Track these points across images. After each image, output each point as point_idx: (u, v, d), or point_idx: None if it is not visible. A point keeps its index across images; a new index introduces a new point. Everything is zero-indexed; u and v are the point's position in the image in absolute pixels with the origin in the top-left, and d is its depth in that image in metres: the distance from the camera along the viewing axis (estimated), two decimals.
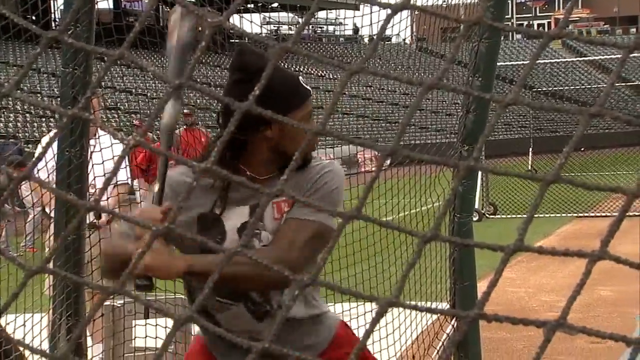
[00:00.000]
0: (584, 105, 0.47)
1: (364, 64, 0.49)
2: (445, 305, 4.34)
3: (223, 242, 2.42)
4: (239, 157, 2.36)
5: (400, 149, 0.50)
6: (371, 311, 4.66)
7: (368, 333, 0.51)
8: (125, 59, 0.55)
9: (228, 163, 2.35)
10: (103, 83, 27.55)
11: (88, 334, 4.46)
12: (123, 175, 5.82)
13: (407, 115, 0.52)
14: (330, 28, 54.27)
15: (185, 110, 12.98)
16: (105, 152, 4.68)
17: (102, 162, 4.93)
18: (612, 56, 40.61)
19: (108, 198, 5.40)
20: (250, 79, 2.28)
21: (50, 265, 3.89)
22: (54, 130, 4.12)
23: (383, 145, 0.51)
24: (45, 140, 4.68)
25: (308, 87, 2.43)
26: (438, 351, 4.47)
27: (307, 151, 2.36)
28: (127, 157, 5.85)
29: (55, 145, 3.91)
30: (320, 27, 53.76)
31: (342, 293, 0.51)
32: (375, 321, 0.51)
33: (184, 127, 12.73)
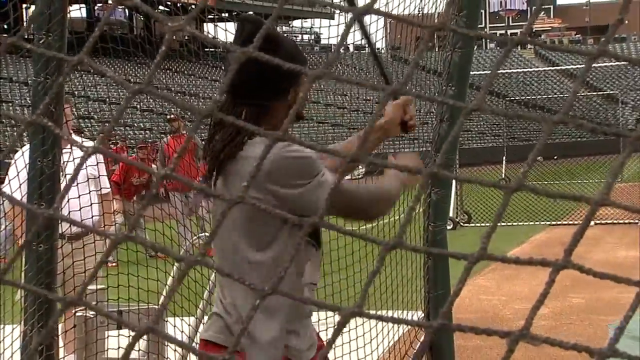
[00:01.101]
0: (540, 122, 0.47)
1: (326, 68, 0.49)
2: (420, 314, 4.33)
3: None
4: (263, 124, 2.41)
5: (363, 155, 0.50)
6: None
7: (330, 343, 0.50)
8: (84, 64, 0.55)
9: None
10: (76, 92, 27.41)
11: (61, 344, 4.41)
12: (106, 183, 5.75)
13: (370, 121, 0.51)
14: (306, 37, 54.34)
15: (170, 116, 12.87)
16: (78, 161, 4.65)
17: (87, 180, 4.91)
18: (583, 65, 40.75)
19: (92, 204, 5.34)
20: (272, 49, 2.32)
21: (22, 275, 3.86)
22: (27, 145, 4.08)
23: (347, 152, 0.51)
24: (18, 155, 4.66)
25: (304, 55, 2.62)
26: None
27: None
28: (104, 168, 5.77)
29: (27, 155, 3.88)
30: (295, 36, 53.82)
31: (303, 302, 0.50)
32: (337, 331, 0.51)
33: (170, 134, 12.63)
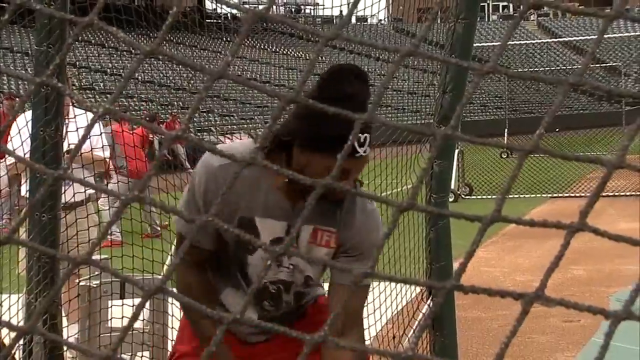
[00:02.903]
0: (556, 85, 0.46)
1: (339, 30, 0.48)
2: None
3: (255, 251, 2.43)
4: (287, 158, 2.27)
5: (376, 117, 0.49)
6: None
7: (346, 302, 0.50)
8: (95, 25, 0.54)
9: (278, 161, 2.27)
10: (77, 63, 27.32)
11: (64, 314, 4.43)
12: (98, 143, 5.64)
13: (384, 82, 0.51)
14: (307, 9, 54.09)
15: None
16: (82, 131, 4.64)
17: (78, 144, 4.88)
18: (587, 37, 40.76)
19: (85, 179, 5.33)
20: (341, 102, 2.09)
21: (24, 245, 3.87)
22: (29, 111, 4.07)
23: (360, 115, 0.50)
24: (20, 119, 4.62)
25: (361, 149, 2.23)
26: (414, 330, 4.49)
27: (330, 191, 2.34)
28: (105, 139, 5.73)
29: (29, 125, 3.87)
30: (297, 8, 53.56)
31: (318, 263, 0.50)
32: (353, 291, 0.50)
33: (170, 116, 12.65)
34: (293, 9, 51.89)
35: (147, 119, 13.74)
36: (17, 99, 10.59)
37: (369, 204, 2.47)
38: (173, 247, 4.58)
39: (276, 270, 2.46)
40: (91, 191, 5.35)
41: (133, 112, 24.60)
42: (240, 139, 13.58)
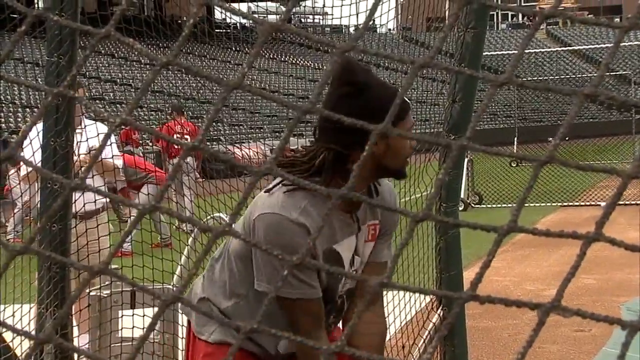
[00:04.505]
0: (570, 95, 0.46)
1: (354, 42, 0.48)
2: (432, 295, 4.34)
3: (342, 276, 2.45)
4: (341, 172, 2.28)
5: (390, 128, 0.49)
6: None
7: (359, 314, 0.50)
8: (112, 37, 0.54)
9: (332, 181, 2.29)
10: (87, 73, 27.44)
11: (74, 324, 4.44)
12: (109, 152, 5.66)
13: (400, 94, 0.51)
14: (316, 18, 54.19)
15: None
16: (92, 141, 4.65)
17: (89, 152, 4.90)
18: (597, 46, 40.71)
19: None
20: (359, 93, 2.24)
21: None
22: (40, 124, 4.07)
23: (374, 125, 0.51)
24: (33, 132, 4.65)
25: (407, 100, 2.42)
26: (424, 340, 4.48)
27: (403, 166, 2.39)
28: (117, 148, 5.73)
29: (40, 136, 3.89)
30: (306, 17, 53.67)
31: (334, 274, 0.50)
32: (368, 302, 0.51)
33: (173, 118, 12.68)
34: (302, 19, 52.01)
35: (174, 111, 13.55)
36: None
37: (387, 183, 2.56)
38: (180, 267, 4.56)
39: (345, 281, 2.49)
40: (103, 200, 5.37)
41: (143, 122, 24.63)
42: (250, 149, 13.52)
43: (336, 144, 2.26)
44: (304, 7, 47.08)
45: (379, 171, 2.37)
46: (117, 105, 27.66)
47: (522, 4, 71.63)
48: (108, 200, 5.46)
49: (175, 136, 12.32)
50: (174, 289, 3.96)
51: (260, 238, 2.29)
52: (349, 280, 2.50)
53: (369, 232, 2.48)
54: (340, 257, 2.41)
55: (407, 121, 2.35)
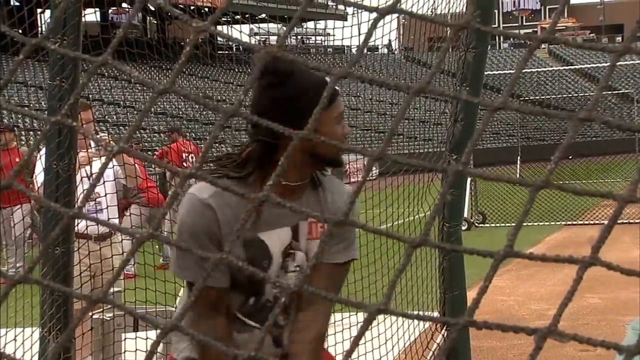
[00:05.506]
0: (565, 120, 0.46)
1: (350, 68, 0.49)
2: (435, 315, 4.33)
3: (270, 266, 2.39)
4: (271, 163, 2.28)
5: (387, 154, 0.50)
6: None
7: (357, 338, 0.50)
8: (109, 64, 0.55)
9: (262, 170, 2.30)
10: (91, 95, 27.53)
11: (77, 347, 4.43)
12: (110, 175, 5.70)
13: (396, 120, 0.51)
14: (319, 39, 54.35)
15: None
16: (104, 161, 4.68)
17: (97, 149, 4.97)
18: (599, 64, 40.78)
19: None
20: (281, 82, 2.24)
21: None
22: (44, 149, 4.10)
23: (371, 150, 0.51)
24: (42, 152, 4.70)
25: (336, 87, 2.35)
26: None
27: (337, 153, 2.36)
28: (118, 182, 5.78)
29: (43, 159, 3.90)
30: (308, 38, 53.85)
31: (330, 300, 0.50)
32: (364, 328, 0.51)
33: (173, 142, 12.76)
34: (305, 39, 52.16)
35: (170, 133, 13.64)
36: (6, 132, 10.31)
37: (345, 188, 2.52)
38: (183, 289, 4.57)
39: (285, 278, 2.41)
40: (116, 221, 5.41)
41: (146, 144, 24.69)
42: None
43: (264, 135, 2.26)
44: (307, 28, 47.25)
45: (313, 161, 2.33)
46: (121, 127, 27.70)
47: (524, 23, 71.89)
48: (119, 219, 5.49)
49: (183, 155, 12.42)
50: (176, 310, 3.93)
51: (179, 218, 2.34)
52: (290, 275, 2.42)
53: (311, 229, 2.42)
54: (267, 247, 2.36)
55: (336, 106, 2.32)
